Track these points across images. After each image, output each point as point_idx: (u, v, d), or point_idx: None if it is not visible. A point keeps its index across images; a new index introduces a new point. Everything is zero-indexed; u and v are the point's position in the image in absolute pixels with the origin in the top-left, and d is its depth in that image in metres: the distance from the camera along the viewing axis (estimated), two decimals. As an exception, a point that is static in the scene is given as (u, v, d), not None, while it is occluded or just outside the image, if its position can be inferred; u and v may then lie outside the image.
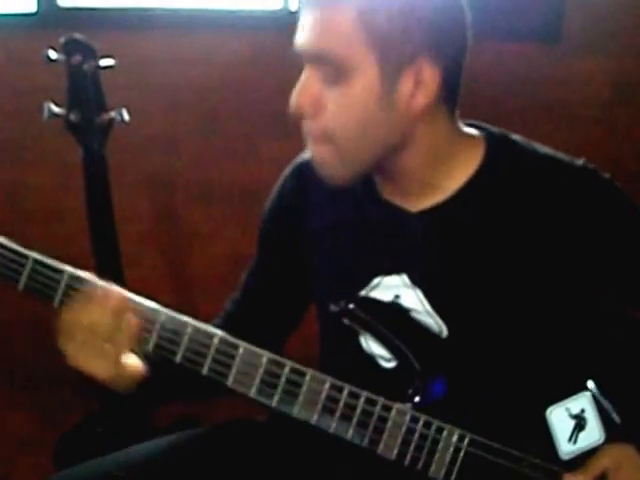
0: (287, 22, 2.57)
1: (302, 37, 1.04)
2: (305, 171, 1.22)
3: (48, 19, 2.56)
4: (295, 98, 1.05)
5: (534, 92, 2.69)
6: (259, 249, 1.31)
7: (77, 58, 1.75)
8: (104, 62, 1.78)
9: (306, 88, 1.04)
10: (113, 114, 1.82)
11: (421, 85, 1.03)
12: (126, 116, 1.83)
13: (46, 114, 1.78)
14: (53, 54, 1.76)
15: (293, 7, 2.58)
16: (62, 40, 1.76)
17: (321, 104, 1.04)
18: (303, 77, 1.05)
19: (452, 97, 1.08)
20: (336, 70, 1.01)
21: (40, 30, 2.51)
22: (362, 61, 1.01)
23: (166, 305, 1.09)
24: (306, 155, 1.23)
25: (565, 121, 2.76)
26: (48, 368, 2.53)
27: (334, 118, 1.04)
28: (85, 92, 1.77)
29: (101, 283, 1.05)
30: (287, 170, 1.27)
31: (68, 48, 1.75)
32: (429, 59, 1.02)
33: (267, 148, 2.62)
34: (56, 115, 1.79)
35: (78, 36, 1.77)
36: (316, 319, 1.29)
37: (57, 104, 1.79)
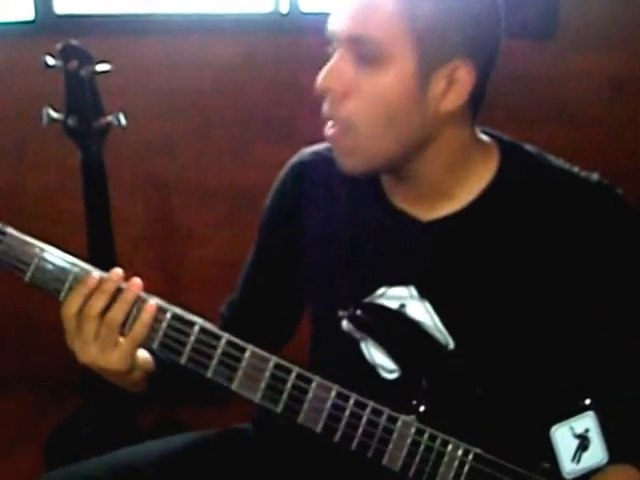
0: (278, 24, 2.63)
1: (341, 19, 1.00)
2: (306, 170, 1.20)
3: (45, 26, 2.58)
4: (324, 77, 1.00)
5: (529, 89, 2.63)
6: (258, 250, 1.27)
7: (74, 64, 1.76)
8: (100, 67, 1.80)
9: (338, 69, 0.99)
10: (110, 118, 1.83)
11: (454, 85, 1.00)
12: (123, 120, 1.84)
13: (45, 119, 1.80)
14: (51, 60, 1.78)
15: (284, 10, 2.60)
16: (59, 46, 1.78)
17: (350, 88, 0.99)
18: (335, 58, 1.00)
19: (477, 102, 1.06)
20: (373, 54, 0.98)
21: (38, 37, 2.53)
22: (400, 51, 0.97)
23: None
24: (306, 153, 1.22)
25: (561, 119, 2.70)
26: (35, 365, 2.57)
27: (361, 106, 1.00)
28: (82, 97, 1.79)
29: (104, 274, 1.02)
30: (286, 169, 1.23)
31: (65, 54, 1.77)
32: (466, 59, 0.99)
33: (261, 150, 2.61)
34: (55, 120, 1.80)
35: (74, 42, 1.78)
36: (306, 325, 1.26)
37: (55, 109, 1.81)
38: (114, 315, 1.00)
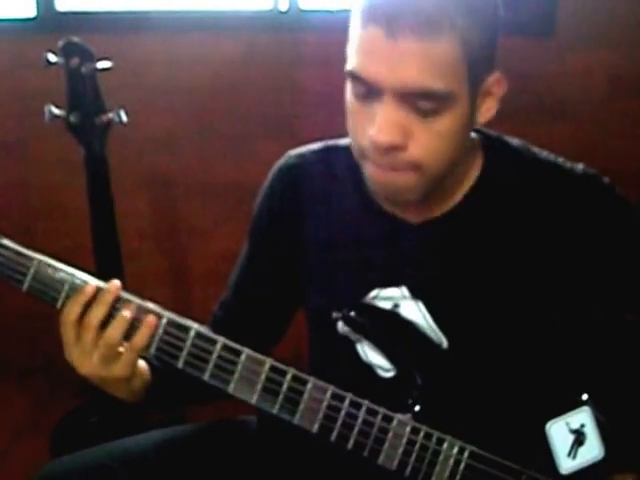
0: (278, 22, 2.64)
1: (391, 69, 0.92)
2: (296, 174, 1.19)
3: (47, 23, 2.59)
4: (385, 132, 0.94)
5: (527, 88, 2.59)
6: (249, 251, 1.27)
7: (75, 61, 1.77)
8: (101, 64, 1.80)
9: (395, 122, 0.94)
10: (111, 115, 1.84)
11: (490, 97, 1.01)
12: (124, 117, 1.85)
13: (47, 116, 1.81)
14: (52, 57, 1.78)
15: (283, 7, 2.60)
16: (60, 43, 1.78)
17: (409, 135, 0.95)
18: (388, 110, 0.94)
19: None
20: (436, 105, 0.94)
21: (39, 34, 2.54)
22: (459, 90, 0.95)
23: (164, 300, 1.07)
24: (292, 156, 1.21)
25: (560, 117, 2.68)
26: (42, 356, 2.58)
27: (426, 149, 0.96)
28: (84, 94, 1.80)
29: (102, 283, 1.03)
30: (274, 173, 1.22)
31: (66, 51, 1.78)
32: (495, 70, 1.00)
33: (261, 147, 2.61)
34: (57, 117, 1.81)
35: (76, 39, 1.79)
36: (305, 319, 1.27)
37: (57, 106, 1.81)
38: (111, 333, 1.01)
